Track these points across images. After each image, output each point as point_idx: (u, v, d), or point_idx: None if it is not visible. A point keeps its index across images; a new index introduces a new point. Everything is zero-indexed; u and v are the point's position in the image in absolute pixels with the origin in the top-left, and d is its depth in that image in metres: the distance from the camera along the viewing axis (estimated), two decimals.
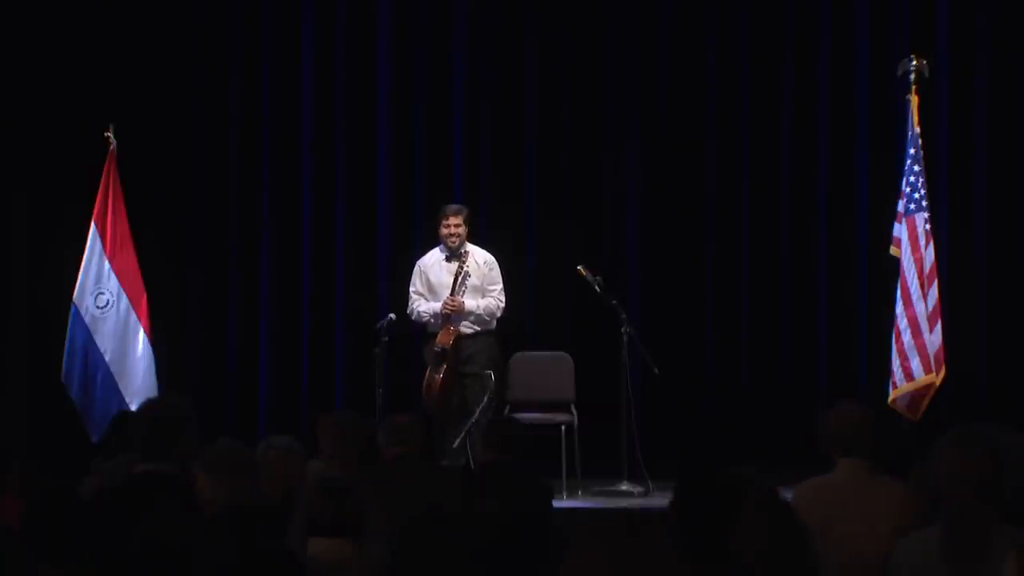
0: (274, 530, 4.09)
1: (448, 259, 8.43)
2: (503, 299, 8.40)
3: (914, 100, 7.97)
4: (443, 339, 8.24)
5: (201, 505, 3.87)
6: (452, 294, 8.28)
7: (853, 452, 4.66)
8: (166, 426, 4.65)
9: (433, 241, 8.71)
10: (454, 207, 8.47)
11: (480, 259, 8.42)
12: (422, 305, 8.43)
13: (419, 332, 8.69)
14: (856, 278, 9.09)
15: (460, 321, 8.31)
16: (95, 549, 3.75)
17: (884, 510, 4.45)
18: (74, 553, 3.69)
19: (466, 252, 8.37)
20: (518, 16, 9.40)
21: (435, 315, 8.34)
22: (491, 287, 8.40)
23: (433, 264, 8.50)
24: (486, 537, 3.79)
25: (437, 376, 8.21)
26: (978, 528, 3.33)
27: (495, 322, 8.43)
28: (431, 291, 8.44)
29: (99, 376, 8.42)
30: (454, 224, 8.36)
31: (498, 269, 8.45)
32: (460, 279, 8.28)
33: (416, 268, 8.55)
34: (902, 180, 7.96)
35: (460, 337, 8.28)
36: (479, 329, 8.35)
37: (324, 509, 4.23)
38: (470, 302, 8.31)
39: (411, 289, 8.52)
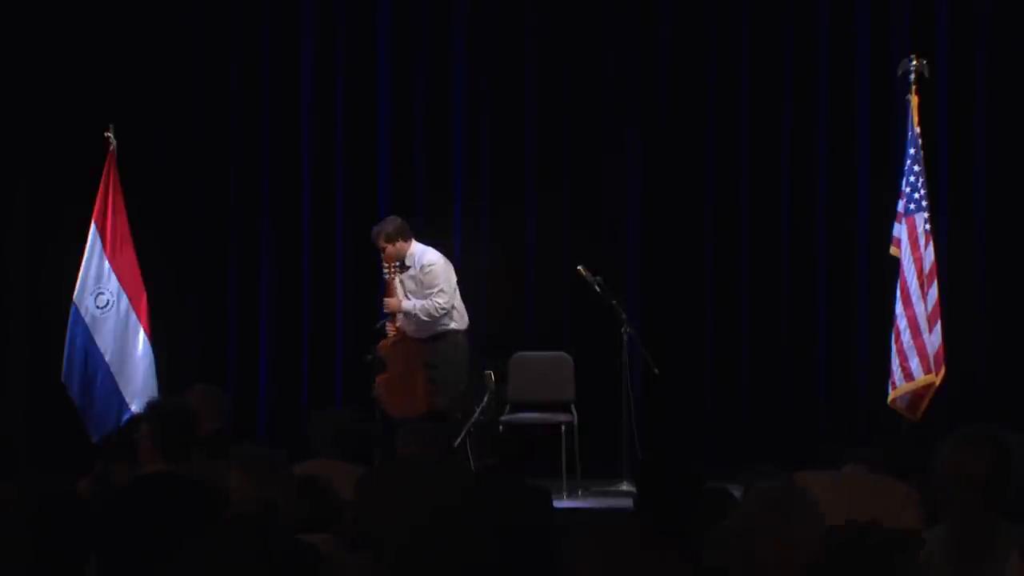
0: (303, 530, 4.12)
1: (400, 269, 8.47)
2: (440, 300, 8.23)
3: (914, 100, 7.97)
4: (382, 345, 8.34)
5: (232, 504, 3.89)
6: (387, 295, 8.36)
7: None
8: (180, 427, 4.70)
9: (430, 241, 8.72)
10: (373, 232, 8.40)
11: (421, 262, 8.34)
12: None
13: None
14: (856, 278, 9.09)
15: (409, 324, 8.29)
16: (106, 549, 3.77)
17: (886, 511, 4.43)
18: (84, 553, 3.71)
19: (406, 263, 8.33)
20: (519, 14, 9.40)
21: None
22: (427, 290, 8.31)
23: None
24: (489, 540, 3.80)
25: (378, 380, 8.33)
26: (983, 528, 3.33)
27: (449, 321, 8.31)
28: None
29: (99, 376, 8.41)
30: (381, 250, 8.34)
31: (437, 272, 8.29)
32: (390, 283, 8.33)
33: None
34: (902, 180, 7.96)
35: (411, 341, 8.27)
36: (437, 331, 8.28)
37: (301, 506, 4.26)
38: (407, 302, 8.30)
39: None
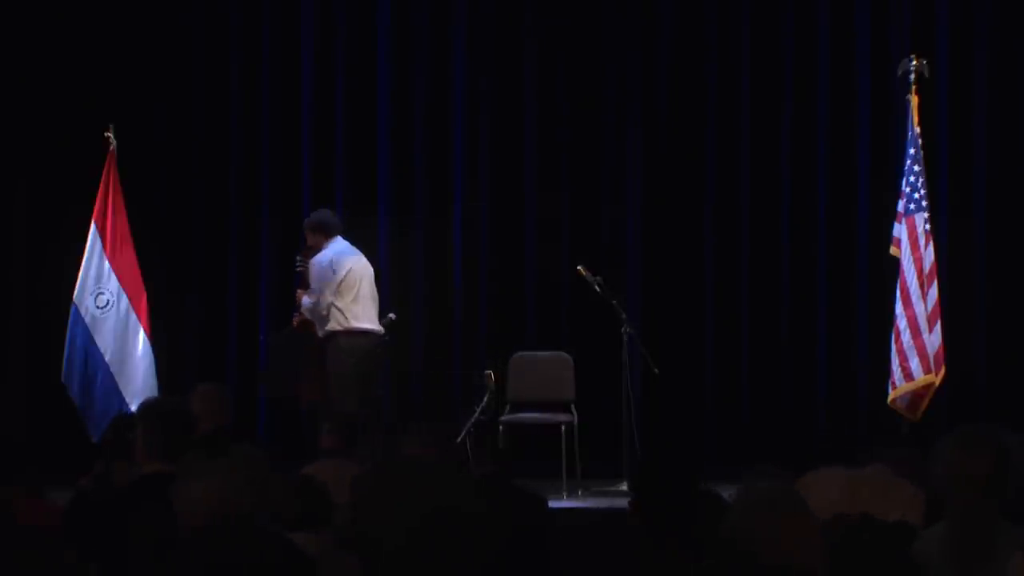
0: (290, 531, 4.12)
1: None
2: (307, 300, 8.17)
3: (914, 100, 7.98)
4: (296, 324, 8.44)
5: (220, 505, 3.89)
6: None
7: None
8: (178, 427, 4.71)
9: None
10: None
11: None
12: None
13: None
14: (856, 278, 9.09)
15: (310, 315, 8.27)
16: (107, 549, 3.78)
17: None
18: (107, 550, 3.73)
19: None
20: (518, 14, 9.40)
21: None
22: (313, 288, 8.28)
23: None
24: (486, 544, 3.79)
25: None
26: (983, 527, 3.33)
27: (325, 324, 8.15)
28: None
29: (99, 376, 8.42)
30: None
31: (312, 273, 8.15)
32: (302, 275, 8.34)
33: None
34: (902, 180, 7.97)
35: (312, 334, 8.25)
36: (326, 330, 8.15)
37: (293, 504, 4.26)
38: (306, 298, 8.26)
39: None
